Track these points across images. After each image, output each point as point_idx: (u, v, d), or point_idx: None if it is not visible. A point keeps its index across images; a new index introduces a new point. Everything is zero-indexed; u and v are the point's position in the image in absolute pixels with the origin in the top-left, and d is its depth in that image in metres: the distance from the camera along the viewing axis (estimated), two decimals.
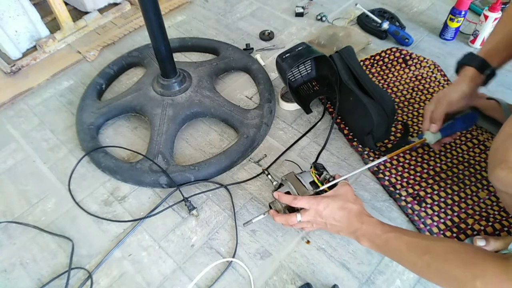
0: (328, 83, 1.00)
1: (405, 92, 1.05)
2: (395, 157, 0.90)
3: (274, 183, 0.80)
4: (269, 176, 0.82)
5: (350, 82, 0.91)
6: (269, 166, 0.92)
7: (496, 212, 0.80)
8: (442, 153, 0.91)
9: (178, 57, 1.21)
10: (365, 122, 0.86)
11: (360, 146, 0.93)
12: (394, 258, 0.64)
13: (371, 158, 0.91)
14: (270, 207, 0.77)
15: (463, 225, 0.79)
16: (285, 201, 0.72)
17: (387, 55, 1.12)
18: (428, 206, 0.82)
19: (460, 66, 0.80)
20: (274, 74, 1.13)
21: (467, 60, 0.78)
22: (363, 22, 1.24)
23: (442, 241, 0.59)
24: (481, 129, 0.94)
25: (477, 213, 0.80)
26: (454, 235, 0.78)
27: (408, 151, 0.91)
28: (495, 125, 0.91)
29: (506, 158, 0.56)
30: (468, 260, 0.54)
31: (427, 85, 1.06)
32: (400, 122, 0.97)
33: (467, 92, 0.78)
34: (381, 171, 0.88)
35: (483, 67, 0.76)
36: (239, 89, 1.11)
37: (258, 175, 0.90)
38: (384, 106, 0.85)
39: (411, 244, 0.60)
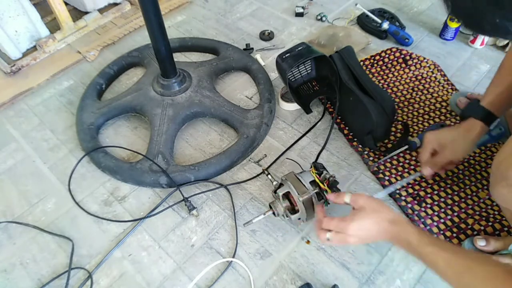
0: (328, 83, 1.00)
1: (405, 92, 1.05)
2: (395, 157, 0.90)
3: (274, 183, 0.80)
4: (269, 176, 0.82)
5: (350, 82, 0.91)
6: (269, 166, 0.92)
7: (496, 212, 0.80)
8: None
9: (178, 57, 1.21)
10: (365, 122, 0.86)
11: (360, 146, 0.93)
12: (431, 269, 0.61)
13: (371, 158, 0.91)
14: (270, 207, 0.77)
15: (463, 225, 0.79)
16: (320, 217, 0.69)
17: (387, 55, 1.12)
18: (428, 206, 0.82)
19: (466, 116, 0.78)
20: (274, 74, 1.13)
21: (475, 113, 0.76)
22: (363, 22, 1.24)
23: (482, 264, 0.56)
24: None
25: (477, 213, 0.80)
26: (454, 235, 0.78)
27: (407, 151, 0.91)
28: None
29: (508, 175, 0.56)
30: (490, 278, 0.53)
31: (427, 85, 1.06)
32: (400, 122, 0.97)
33: (473, 147, 0.78)
34: (381, 171, 0.88)
35: (490, 120, 0.76)
36: (239, 89, 1.11)
37: (258, 175, 0.90)
38: (384, 106, 0.85)
39: (449, 262, 0.58)
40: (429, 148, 0.80)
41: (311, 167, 0.78)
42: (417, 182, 0.86)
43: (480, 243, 0.72)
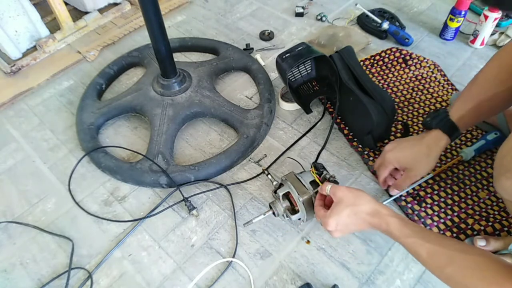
0: (328, 83, 1.00)
1: (405, 92, 1.05)
2: None
3: (274, 183, 0.80)
4: (269, 176, 0.82)
5: (350, 82, 0.91)
6: (269, 166, 0.92)
7: (496, 212, 0.80)
8: (442, 153, 0.91)
9: (178, 57, 1.21)
10: (365, 122, 0.86)
11: (360, 146, 0.93)
12: (415, 258, 0.62)
13: (371, 158, 0.91)
14: (270, 207, 0.77)
15: (463, 225, 0.79)
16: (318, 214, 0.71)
17: (387, 55, 1.12)
18: (428, 206, 0.82)
19: (433, 127, 0.74)
20: (274, 74, 1.13)
21: (443, 126, 0.73)
22: (363, 22, 1.24)
23: (466, 253, 0.56)
24: (480, 130, 0.94)
25: (477, 213, 0.80)
26: (454, 235, 0.78)
27: None
28: (492, 128, 0.91)
29: None
30: (490, 279, 0.52)
31: (427, 85, 1.06)
32: (400, 122, 0.97)
33: (435, 162, 0.75)
34: None
35: (455, 135, 0.73)
36: (239, 89, 1.11)
37: (258, 175, 0.90)
38: (384, 106, 0.85)
39: (433, 253, 0.58)
40: (390, 167, 0.78)
41: (311, 167, 0.78)
42: (417, 182, 0.86)
43: (480, 243, 0.72)
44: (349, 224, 0.66)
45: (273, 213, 0.76)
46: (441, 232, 0.78)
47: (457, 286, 0.56)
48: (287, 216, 0.76)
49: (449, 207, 0.82)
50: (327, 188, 0.69)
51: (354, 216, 0.65)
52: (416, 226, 0.63)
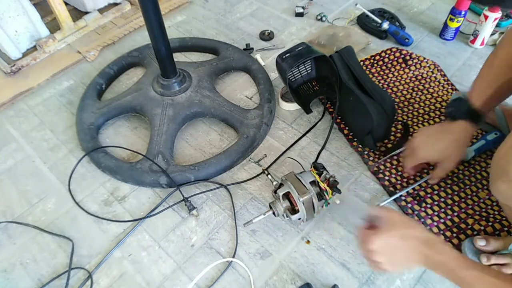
0: (328, 83, 1.00)
1: (405, 92, 1.05)
2: (395, 157, 0.90)
3: (274, 183, 0.80)
4: (269, 176, 0.82)
5: (350, 82, 0.91)
6: (269, 166, 0.92)
7: (496, 212, 0.80)
8: None
9: (178, 57, 1.21)
10: (365, 122, 0.86)
11: (360, 146, 0.93)
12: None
13: (371, 158, 0.91)
14: (270, 207, 0.77)
15: (463, 225, 0.79)
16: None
17: (387, 55, 1.12)
18: (428, 206, 0.82)
19: (456, 118, 0.76)
20: (274, 74, 1.13)
21: (466, 115, 0.75)
22: (363, 22, 1.24)
23: None
24: (481, 130, 0.94)
25: (477, 213, 0.80)
26: (454, 235, 0.78)
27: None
28: (493, 128, 0.91)
29: (508, 170, 0.55)
30: None
31: (427, 85, 1.06)
32: (400, 122, 0.97)
33: (466, 149, 0.77)
34: (381, 171, 0.88)
35: (481, 122, 0.75)
36: (239, 89, 1.11)
37: (258, 175, 0.90)
38: (384, 106, 0.85)
39: (494, 286, 0.54)
40: (420, 160, 0.79)
41: (311, 167, 0.78)
42: (417, 182, 0.86)
43: (480, 243, 0.72)
44: (397, 249, 0.59)
45: (273, 213, 0.76)
46: (441, 232, 0.78)
47: None
48: (287, 216, 0.76)
49: (449, 207, 0.82)
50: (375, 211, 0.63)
51: (405, 240, 0.59)
52: (467, 258, 0.59)
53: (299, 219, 0.75)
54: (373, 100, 0.86)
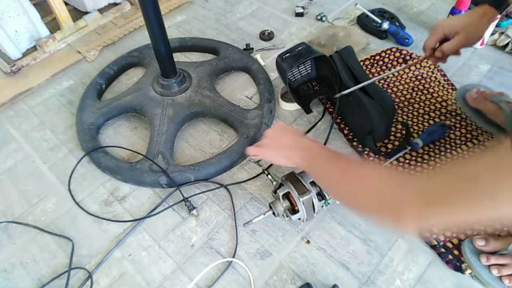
0: (328, 83, 1.00)
1: (405, 92, 1.05)
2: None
3: (274, 183, 0.80)
4: (269, 176, 0.82)
5: (350, 82, 0.91)
6: (269, 166, 0.91)
7: None
8: (442, 153, 0.91)
9: (178, 57, 1.21)
10: (365, 122, 0.86)
11: (360, 146, 0.93)
12: (316, 174, 0.66)
13: (371, 158, 0.91)
14: (270, 207, 0.77)
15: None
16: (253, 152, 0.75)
17: (387, 55, 1.12)
18: None
19: (478, 2, 0.82)
20: (274, 74, 1.13)
21: (489, 0, 0.77)
22: (363, 22, 1.24)
23: (355, 163, 0.64)
24: (481, 129, 0.94)
25: None
26: (454, 235, 0.78)
27: (408, 152, 0.91)
28: (497, 129, 0.91)
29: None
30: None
31: (427, 85, 1.06)
32: (400, 122, 0.97)
33: (484, 33, 0.80)
34: None
35: (503, 7, 0.76)
36: (239, 89, 1.11)
37: (258, 175, 0.90)
38: (384, 106, 0.85)
39: (329, 160, 0.64)
40: (440, 33, 0.80)
41: None
42: None
43: (480, 243, 0.72)
44: (287, 137, 0.71)
45: (273, 213, 0.76)
46: (441, 233, 0.78)
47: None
48: (287, 216, 0.76)
49: None
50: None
51: (294, 134, 0.72)
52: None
53: (299, 219, 0.75)
54: (373, 100, 0.86)
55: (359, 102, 0.86)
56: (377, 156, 0.91)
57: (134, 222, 0.84)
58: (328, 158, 0.64)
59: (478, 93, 0.90)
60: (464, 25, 0.77)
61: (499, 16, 0.79)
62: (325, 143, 0.92)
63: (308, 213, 0.74)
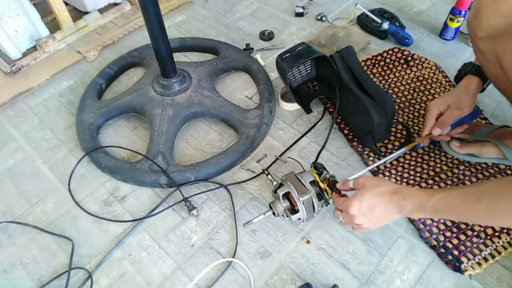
0: (328, 83, 1.00)
1: (406, 93, 1.05)
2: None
3: (274, 183, 0.80)
4: (269, 176, 0.82)
5: (350, 82, 0.91)
6: (269, 166, 0.91)
7: None
8: (443, 153, 0.91)
9: (178, 57, 1.21)
10: (365, 122, 0.86)
11: (360, 146, 0.93)
12: (451, 217, 0.63)
13: (371, 158, 0.91)
14: (270, 207, 0.77)
15: (463, 225, 0.79)
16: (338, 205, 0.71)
17: (388, 56, 1.12)
18: None
19: (463, 74, 0.85)
20: (274, 74, 1.13)
21: (470, 70, 0.83)
22: (363, 22, 1.24)
23: (488, 183, 0.61)
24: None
25: None
26: (454, 235, 0.78)
27: (408, 152, 0.91)
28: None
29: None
30: None
31: (428, 86, 1.06)
32: (400, 123, 0.97)
33: (475, 101, 0.83)
34: (381, 171, 0.88)
35: (484, 77, 0.81)
36: (239, 89, 1.11)
37: (258, 175, 0.90)
38: (385, 107, 0.85)
39: (462, 195, 0.59)
40: (435, 111, 0.83)
41: (311, 167, 0.78)
42: (417, 182, 0.86)
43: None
44: (373, 207, 0.64)
45: (273, 213, 0.76)
46: (441, 232, 0.78)
47: (503, 208, 0.55)
48: (287, 216, 0.76)
49: None
50: (350, 183, 0.69)
51: (378, 196, 0.64)
52: (432, 189, 0.67)
53: (299, 219, 0.75)
54: (373, 100, 0.86)
55: (359, 102, 0.86)
56: (377, 156, 0.91)
57: (134, 222, 0.84)
58: (446, 200, 0.61)
59: (460, 144, 0.88)
60: (453, 98, 0.83)
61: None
62: (324, 143, 0.92)
63: (308, 213, 0.74)
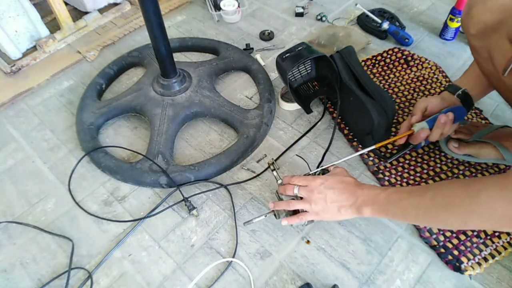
0: (328, 83, 1.00)
1: (406, 93, 1.05)
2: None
3: (279, 181, 0.79)
4: (275, 172, 0.80)
5: (350, 82, 0.91)
6: (276, 159, 0.89)
7: None
8: (443, 154, 0.91)
9: (178, 57, 1.21)
10: (365, 122, 0.86)
11: (360, 146, 0.93)
12: (397, 212, 0.64)
13: (371, 158, 0.91)
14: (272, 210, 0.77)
15: None
16: (282, 207, 0.73)
17: (389, 56, 1.12)
18: None
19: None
20: (274, 74, 1.13)
21: (448, 88, 0.86)
22: (363, 22, 1.24)
23: (439, 181, 0.64)
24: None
25: None
26: (454, 235, 0.78)
27: (408, 152, 0.91)
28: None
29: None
30: (467, 182, 0.57)
31: (428, 86, 1.06)
32: (400, 123, 0.97)
33: (441, 101, 0.84)
34: (381, 171, 0.88)
35: (469, 102, 0.83)
36: (239, 89, 1.11)
37: (258, 175, 0.90)
38: (385, 107, 0.85)
39: (411, 190, 0.63)
40: (421, 109, 0.84)
41: (317, 173, 0.78)
42: (417, 182, 0.86)
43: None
44: (333, 188, 0.68)
45: (275, 215, 0.76)
46: (441, 232, 0.78)
47: (442, 205, 0.57)
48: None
49: None
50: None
51: (342, 183, 0.69)
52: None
53: (303, 225, 0.75)
54: (374, 100, 0.86)
55: (360, 102, 0.86)
56: (376, 157, 0.91)
57: (134, 222, 0.84)
58: (400, 198, 0.63)
59: (458, 145, 0.88)
60: (437, 102, 0.84)
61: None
62: (329, 145, 0.91)
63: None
